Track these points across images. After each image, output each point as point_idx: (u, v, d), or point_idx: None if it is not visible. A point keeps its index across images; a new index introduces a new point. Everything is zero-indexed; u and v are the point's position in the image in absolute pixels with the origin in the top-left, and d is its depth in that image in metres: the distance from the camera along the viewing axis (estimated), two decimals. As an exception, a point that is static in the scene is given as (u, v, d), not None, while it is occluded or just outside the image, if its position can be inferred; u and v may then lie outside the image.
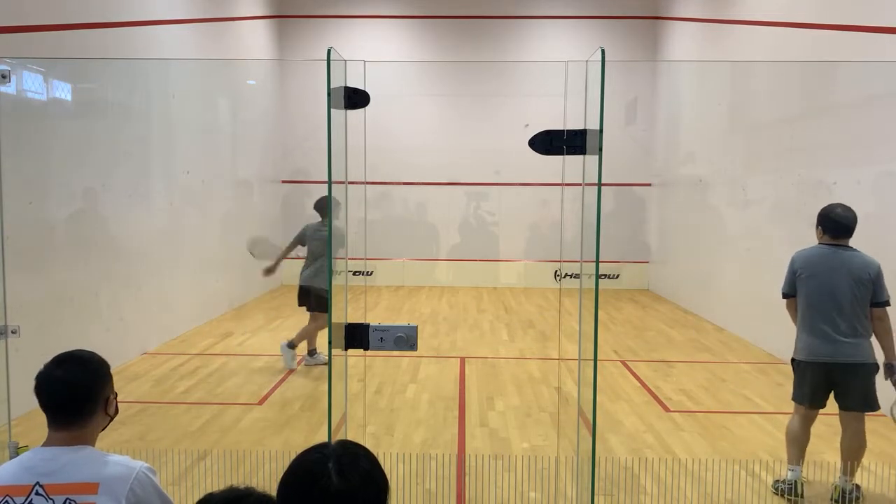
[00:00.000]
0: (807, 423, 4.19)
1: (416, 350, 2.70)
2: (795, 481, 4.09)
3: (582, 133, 2.83)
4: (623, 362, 7.38)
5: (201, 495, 1.70)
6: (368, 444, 1.61)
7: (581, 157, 2.85)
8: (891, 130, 5.83)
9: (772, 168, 8.16)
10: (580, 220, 3.07)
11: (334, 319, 2.75)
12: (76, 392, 2.03)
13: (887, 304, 4.05)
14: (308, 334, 7.02)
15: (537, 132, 2.84)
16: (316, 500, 1.44)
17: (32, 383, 2.06)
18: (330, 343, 2.75)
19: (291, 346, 6.93)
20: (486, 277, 12.88)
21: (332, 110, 2.68)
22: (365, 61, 2.86)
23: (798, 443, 4.17)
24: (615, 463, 4.59)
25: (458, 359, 7.43)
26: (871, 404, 4.04)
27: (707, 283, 10.04)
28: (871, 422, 5.52)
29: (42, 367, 2.07)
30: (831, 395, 4.18)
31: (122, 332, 7.04)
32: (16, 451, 3.67)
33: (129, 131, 7.43)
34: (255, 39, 12.02)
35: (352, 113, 2.86)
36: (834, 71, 6.78)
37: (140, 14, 7.65)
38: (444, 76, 13.30)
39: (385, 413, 5.63)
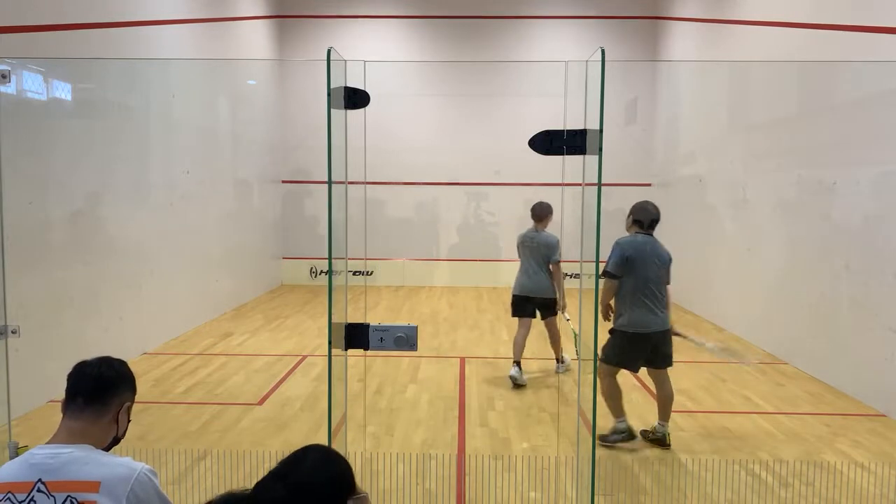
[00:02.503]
0: (615, 379, 4.98)
1: (416, 350, 2.70)
2: (626, 429, 4.94)
3: (582, 133, 2.83)
4: (623, 362, 7.37)
5: (201, 495, 1.71)
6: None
7: (581, 157, 2.85)
8: (891, 130, 5.83)
9: (772, 168, 8.16)
10: (580, 220, 3.08)
11: (334, 319, 2.75)
12: (107, 380, 2.14)
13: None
14: (555, 343, 6.75)
15: (537, 132, 2.84)
16: None
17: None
18: (330, 343, 2.75)
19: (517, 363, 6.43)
20: (486, 277, 12.87)
21: (332, 110, 2.68)
22: (365, 61, 2.86)
23: (619, 397, 4.98)
24: (615, 463, 4.59)
25: (458, 359, 7.43)
26: (671, 360, 5.01)
27: (707, 283, 10.04)
28: (870, 422, 5.55)
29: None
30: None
31: (122, 332, 7.04)
32: (16, 451, 3.67)
33: (130, 131, 7.43)
34: (255, 39, 12.02)
35: (352, 113, 2.86)
36: (833, 71, 6.78)
37: (140, 14, 7.65)
38: (444, 76, 13.29)
39: (385, 413, 5.63)
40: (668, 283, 4.96)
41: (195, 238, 9.03)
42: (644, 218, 4.94)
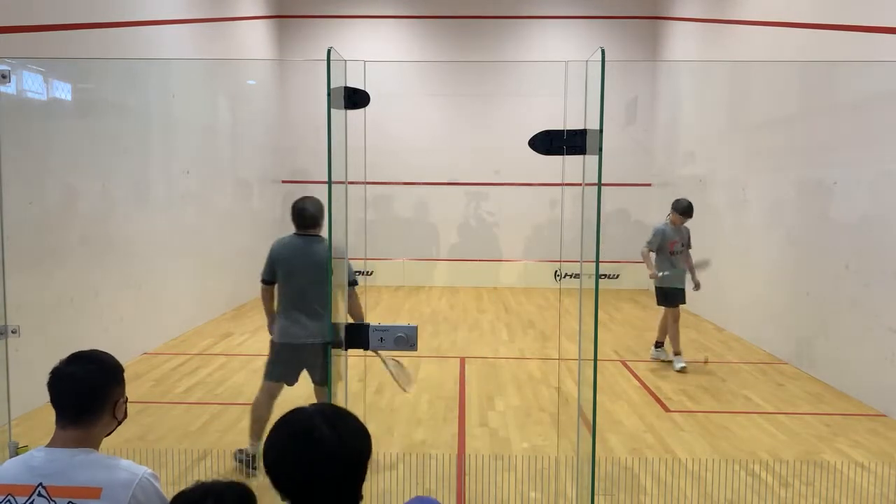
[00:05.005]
0: (273, 399, 4.52)
1: (416, 350, 2.70)
2: (255, 454, 4.43)
3: (582, 133, 2.83)
4: (623, 362, 7.38)
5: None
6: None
7: (581, 157, 2.85)
8: (891, 130, 5.83)
9: (772, 168, 8.16)
10: (580, 220, 3.07)
11: (334, 319, 2.75)
12: (87, 390, 2.03)
13: (355, 283, 4.50)
14: (661, 328, 7.55)
15: (537, 132, 2.84)
16: (308, 452, 1.50)
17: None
18: (330, 343, 2.75)
19: (659, 345, 7.51)
20: (486, 277, 12.87)
21: (332, 110, 2.67)
22: (365, 61, 2.86)
23: (264, 419, 4.43)
24: (615, 463, 4.59)
25: (458, 359, 7.43)
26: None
27: (707, 283, 10.03)
28: (870, 422, 5.55)
29: (57, 363, 2.06)
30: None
31: (122, 332, 7.04)
32: (16, 451, 3.67)
33: (130, 131, 7.42)
34: (255, 39, 12.02)
35: (352, 113, 2.85)
36: (833, 71, 6.78)
37: (140, 14, 7.65)
38: (444, 76, 13.29)
39: (385, 413, 5.63)
40: (352, 283, 4.40)
41: (195, 238, 9.02)
42: (294, 218, 4.54)
